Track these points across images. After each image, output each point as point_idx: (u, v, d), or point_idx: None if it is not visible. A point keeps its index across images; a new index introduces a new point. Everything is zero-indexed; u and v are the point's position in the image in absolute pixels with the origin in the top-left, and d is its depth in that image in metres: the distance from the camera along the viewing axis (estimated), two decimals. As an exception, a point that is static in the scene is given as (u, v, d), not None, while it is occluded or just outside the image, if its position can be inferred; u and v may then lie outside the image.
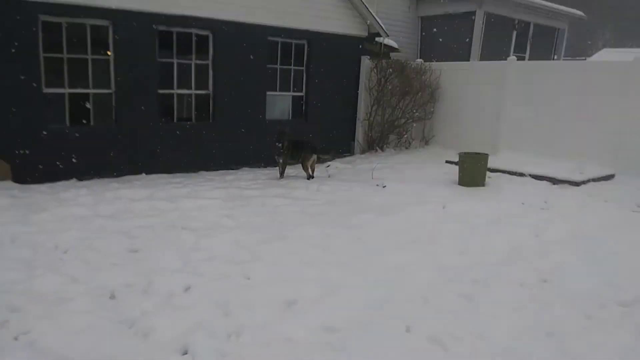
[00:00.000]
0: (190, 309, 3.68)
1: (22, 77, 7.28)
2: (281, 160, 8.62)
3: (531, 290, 4.22)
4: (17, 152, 7.36)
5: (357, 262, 4.75)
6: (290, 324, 3.52)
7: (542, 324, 3.64)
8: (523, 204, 7.02)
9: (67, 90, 7.84)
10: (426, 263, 4.80)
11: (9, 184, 7.06)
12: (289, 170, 8.90)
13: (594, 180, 8.18)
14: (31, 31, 7.29)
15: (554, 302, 3.99)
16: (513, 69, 10.09)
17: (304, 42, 10.42)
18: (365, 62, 11.19)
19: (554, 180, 8.12)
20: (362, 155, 11.13)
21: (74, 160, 7.87)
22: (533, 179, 8.33)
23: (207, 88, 9.34)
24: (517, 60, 10.57)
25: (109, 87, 8.21)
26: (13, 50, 7.16)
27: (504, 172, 8.76)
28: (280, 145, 8.46)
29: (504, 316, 3.75)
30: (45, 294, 3.76)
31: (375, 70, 11.10)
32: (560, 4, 17.06)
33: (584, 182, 8.03)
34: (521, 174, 8.52)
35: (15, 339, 3.18)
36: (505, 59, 10.54)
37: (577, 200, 7.20)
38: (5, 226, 5.16)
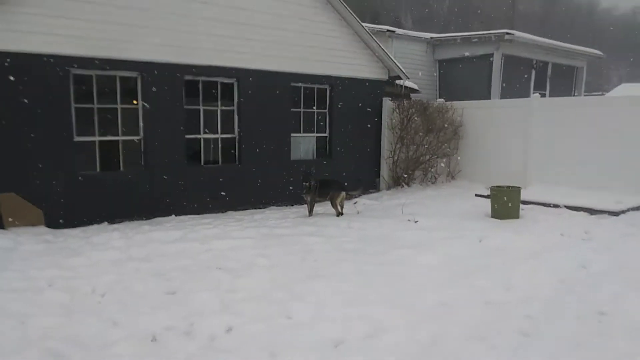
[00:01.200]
0: (234, 351, 3.55)
1: (54, 127, 7.46)
2: (309, 199, 8.60)
3: (590, 323, 3.98)
4: (49, 197, 7.44)
5: (400, 299, 4.57)
6: (340, 366, 3.35)
7: (608, 359, 3.41)
8: (562, 235, 6.79)
9: (97, 138, 8.00)
10: (472, 299, 4.61)
11: (42, 229, 7.10)
12: (317, 208, 8.83)
13: (633, 209, 7.91)
14: (63, 84, 7.52)
15: (617, 336, 3.76)
16: (537, 106, 10.12)
17: (326, 86, 10.63)
18: (387, 103, 11.37)
19: (591, 211, 7.88)
20: (389, 191, 11.07)
21: (105, 204, 7.93)
22: (569, 210, 8.10)
23: (232, 132, 9.47)
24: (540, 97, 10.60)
25: (137, 134, 8.36)
26: (46, 102, 7.37)
27: (537, 203, 8.55)
28: (307, 184, 8.46)
29: (568, 352, 3.53)
30: (86, 338, 3.66)
31: (398, 110, 11.22)
32: (577, 43, 17.32)
33: (623, 212, 7.76)
34: (556, 205, 8.31)
35: (60, 386, 3.07)
36: (526, 97, 10.55)
37: (619, 230, 6.93)
38: (42, 271, 5.13)
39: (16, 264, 5.33)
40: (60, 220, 7.46)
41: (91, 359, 3.35)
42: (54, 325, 3.88)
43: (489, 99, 14.50)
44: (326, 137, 10.85)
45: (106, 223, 7.80)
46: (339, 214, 8.49)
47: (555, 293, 4.70)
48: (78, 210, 7.68)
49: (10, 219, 6.99)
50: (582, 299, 4.50)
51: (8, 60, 7.03)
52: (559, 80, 16.87)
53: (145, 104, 8.28)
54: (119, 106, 8.17)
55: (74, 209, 7.64)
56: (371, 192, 11.06)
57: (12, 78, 7.07)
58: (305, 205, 8.84)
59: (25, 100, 7.20)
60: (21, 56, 7.11)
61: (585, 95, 17.50)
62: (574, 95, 17.20)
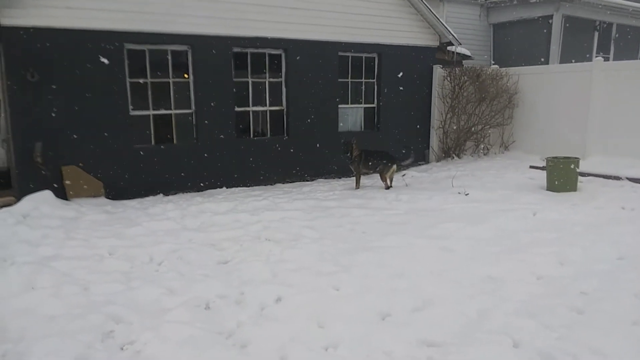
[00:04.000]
0: (283, 320, 3.65)
1: (111, 102, 7.75)
2: (353, 168, 8.57)
3: (650, 302, 3.81)
4: (108, 170, 7.81)
5: (448, 273, 4.53)
6: (387, 337, 3.38)
7: (668, 339, 3.26)
8: (623, 208, 6.48)
9: (151, 112, 8.25)
10: (523, 274, 4.50)
11: (103, 200, 7.49)
12: (365, 180, 8.81)
13: (702, 181, 7.43)
14: (118, 59, 7.75)
15: (679, 316, 3.58)
16: (600, 70, 9.47)
17: (375, 55, 10.41)
18: (438, 71, 11.01)
19: (656, 183, 7.46)
20: (438, 163, 10.86)
21: (159, 176, 8.23)
22: (631, 182, 7.68)
23: (280, 104, 9.50)
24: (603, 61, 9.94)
25: (189, 108, 8.55)
26: (103, 77, 7.64)
27: (596, 175, 8.16)
28: (349, 155, 8.44)
29: (622, 331, 3.39)
30: (145, 304, 3.87)
31: (449, 79, 10.87)
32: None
33: (692, 185, 7.31)
34: (617, 178, 7.89)
35: (122, 349, 3.27)
36: (587, 61, 9.96)
37: (686, 204, 6.53)
38: (103, 240, 5.43)
39: (80, 233, 5.67)
40: (119, 192, 7.83)
41: (150, 324, 3.54)
42: (115, 292, 4.12)
43: (547, 64, 13.77)
44: (374, 107, 10.70)
45: (161, 195, 8.13)
46: (388, 187, 8.42)
47: (614, 269, 4.50)
48: (135, 182, 8.02)
49: (73, 190, 7.40)
50: (643, 276, 4.30)
51: (65, 36, 7.30)
52: (625, 42, 15.75)
53: (196, 77, 8.44)
54: (171, 80, 8.37)
55: (131, 181, 7.99)
56: (420, 164, 10.88)
57: (70, 54, 7.37)
58: (353, 178, 8.83)
59: (83, 76, 7.49)
60: (78, 32, 7.37)
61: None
62: (640, 59, 16.06)
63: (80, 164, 7.59)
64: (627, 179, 7.80)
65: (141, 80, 8.07)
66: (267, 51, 9.16)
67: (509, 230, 5.74)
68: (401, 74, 10.62)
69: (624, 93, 9.11)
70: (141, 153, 8.13)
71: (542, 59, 14.14)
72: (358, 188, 8.56)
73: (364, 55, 10.30)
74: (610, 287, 4.09)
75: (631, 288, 4.02)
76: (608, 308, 3.72)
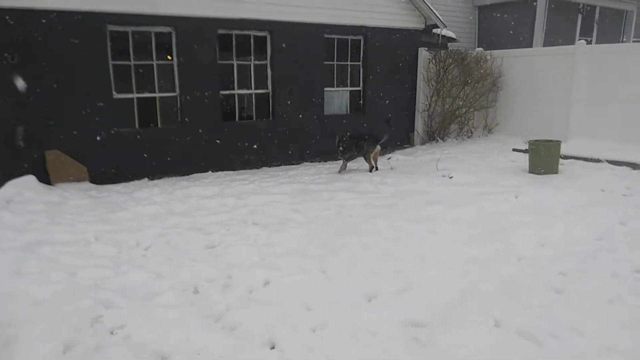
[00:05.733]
0: (271, 303, 3.70)
1: (94, 84, 7.63)
2: (346, 157, 8.58)
3: (626, 281, 3.95)
4: (92, 154, 7.72)
5: (433, 255, 4.62)
6: (373, 318, 3.46)
7: (641, 316, 3.40)
8: (603, 190, 6.63)
9: (135, 95, 8.14)
10: (505, 255, 4.62)
11: (87, 184, 7.43)
12: (351, 163, 8.85)
13: (679, 164, 7.62)
14: (101, 40, 7.61)
15: (653, 294, 3.72)
16: (583, 53, 9.57)
17: (360, 37, 10.36)
18: (423, 53, 11.02)
19: (634, 166, 7.62)
20: (423, 146, 10.94)
21: (144, 160, 8.18)
22: (611, 165, 7.85)
23: (266, 87, 9.45)
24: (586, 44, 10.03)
25: (174, 91, 8.46)
26: (85, 59, 7.50)
27: (577, 158, 8.32)
28: (341, 147, 8.46)
29: (600, 309, 3.52)
30: (133, 289, 3.89)
31: (434, 61, 10.90)
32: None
33: (668, 167, 7.50)
34: (597, 160, 8.06)
35: (112, 333, 3.30)
36: (571, 44, 10.06)
37: (664, 186, 6.70)
38: (89, 225, 5.41)
39: (65, 218, 5.63)
40: (104, 176, 7.77)
41: (138, 308, 3.57)
42: (102, 277, 4.12)
43: (531, 47, 13.87)
44: (360, 90, 10.70)
45: (146, 179, 8.08)
46: (373, 167, 8.48)
47: (592, 250, 4.63)
48: (119, 166, 7.96)
49: (56, 175, 7.32)
50: (619, 256, 4.44)
51: (46, 18, 7.14)
52: (607, 25, 15.92)
53: (181, 59, 8.34)
54: (154, 62, 8.25)
55: (115, 164, 7.93)
56: (405, 147, 10.96)
57: (52, 36, 7.22)
58: (339, 161, 8.86)
59: (66, 58, 7.36)
60: (60, 14, 7.21)
61: (634, 42, 16.46)
62: (622, 42, 16.23)
63: (64, 149, 7.48)
64: (607, 161, 7.97)
65: (124, 63, 7.95)
66: (252, 33, 9.07)
67: (491, 213, 5.84)
68: (386, 57, 10.60)
69: (605, 76, 9.24)
70: (125, 137, 8.05)
71: (526, 42, 14.23)
72: (345, 171, 8.61)
73: (349, 37, 10.26)
74: (589, 268, 4.22)
75: (608, 268, 4.16)
76: (586, 287, 3.85)
